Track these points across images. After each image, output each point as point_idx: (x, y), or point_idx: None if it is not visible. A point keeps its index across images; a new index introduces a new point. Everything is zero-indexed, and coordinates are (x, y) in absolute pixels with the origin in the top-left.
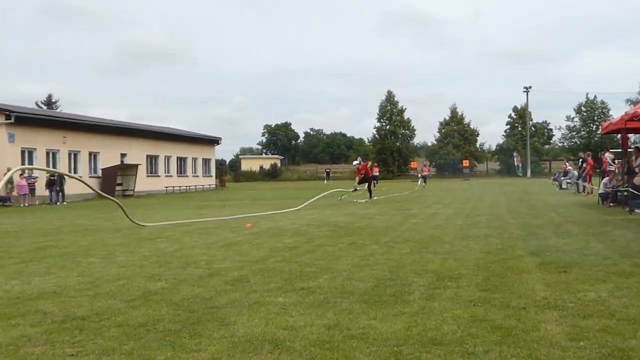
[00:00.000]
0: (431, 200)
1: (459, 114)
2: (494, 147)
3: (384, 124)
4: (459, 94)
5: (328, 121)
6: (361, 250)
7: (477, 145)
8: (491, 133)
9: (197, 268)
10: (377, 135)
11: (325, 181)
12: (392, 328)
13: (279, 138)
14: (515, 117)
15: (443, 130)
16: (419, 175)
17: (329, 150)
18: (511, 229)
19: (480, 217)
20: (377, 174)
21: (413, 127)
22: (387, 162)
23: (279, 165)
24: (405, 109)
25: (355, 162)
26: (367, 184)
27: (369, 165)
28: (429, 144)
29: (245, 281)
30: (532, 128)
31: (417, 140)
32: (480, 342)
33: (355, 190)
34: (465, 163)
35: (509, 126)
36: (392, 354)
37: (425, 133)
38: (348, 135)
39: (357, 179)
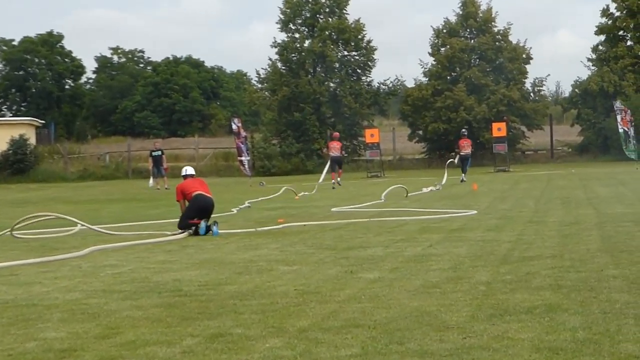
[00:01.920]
0: (416, 223)
1: (479, 4)
2: (566, 92)
3: (294, 33)
4: None
5: (156, 32)
6: (239, 354)
7: (528, 85)
8: (559, 56)
9: None
10: (279, 65)
11: (151, 180)
12: None
13: (30, 75)
14: (612, 13)
15: (440, 48)
16: (456, 156)
17: (155, 103)
18: (611, 291)
19: (535, 263)
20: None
21: (369, 42)
22: (307, 135)
23: (32, 142)
24: None
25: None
26: None
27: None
28: (408, 84)
29: None
30: None
31: (383, 74)
32: None
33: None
34: (498, 130)
35: (603, 38)
36: None
37: (400, 60)
38: (208, 65)
39: (181, 208)
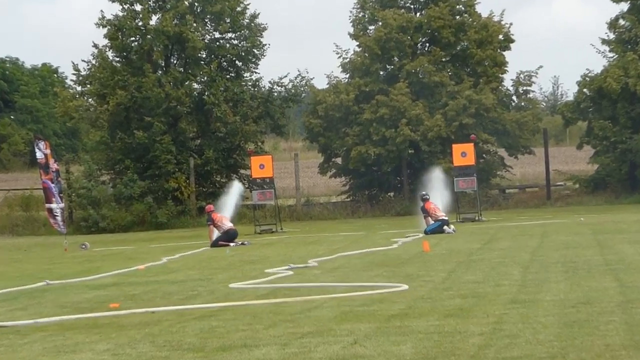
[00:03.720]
0: (333, 306)
1: None
2: (569, 93)
3: (134, 4)
4: None
5: None
6: None
7: (508, 84)
8: (556, 38)
9: None
10: (110, 55)
11: None
12: None
13: None
14: None
15: (368, 27)
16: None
17: None
18: None
19: None
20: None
21: (253, 18)
22: (156, 167)
23: None
24: None
25: None
26: None
27: None
28: (319, 84)
29: None
30: None
31: (278, 69)
32: None
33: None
34: (462, 155)
35: (625, 7)
36: None
37: (304, 46)
38: None
39: None
